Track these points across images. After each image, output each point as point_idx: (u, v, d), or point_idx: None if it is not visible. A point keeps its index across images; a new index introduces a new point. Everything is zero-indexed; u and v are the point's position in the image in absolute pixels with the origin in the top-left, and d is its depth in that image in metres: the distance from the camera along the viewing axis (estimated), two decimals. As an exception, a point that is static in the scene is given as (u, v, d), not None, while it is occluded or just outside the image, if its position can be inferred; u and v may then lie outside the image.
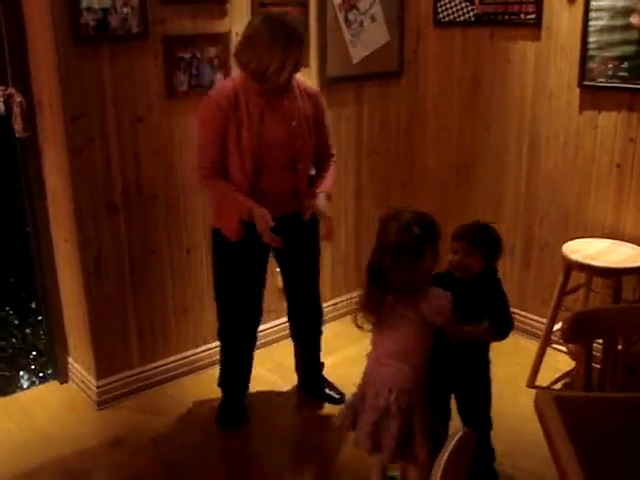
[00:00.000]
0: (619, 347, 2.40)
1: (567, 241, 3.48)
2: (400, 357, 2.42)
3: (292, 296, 3.35)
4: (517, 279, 4.07)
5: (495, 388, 3.48)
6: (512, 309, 3.98)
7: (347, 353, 3.86)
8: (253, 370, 3.38)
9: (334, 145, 3.21)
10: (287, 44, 2.70)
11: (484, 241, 2.61)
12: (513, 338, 3.94)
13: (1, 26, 3.13)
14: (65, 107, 3.02)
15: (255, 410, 3.39)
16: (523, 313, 4.05)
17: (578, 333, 2.23)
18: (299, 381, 3.57)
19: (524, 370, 3.58)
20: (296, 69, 2.80)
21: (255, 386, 3.46)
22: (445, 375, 2.71)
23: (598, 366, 2.39)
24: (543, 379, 3.53)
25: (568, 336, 2.24)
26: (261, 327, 3.39)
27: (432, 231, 2.38)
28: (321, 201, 2.99)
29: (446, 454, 1.58)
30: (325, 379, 3.51)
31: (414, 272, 2.31)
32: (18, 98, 3.17)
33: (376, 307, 2.38)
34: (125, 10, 3.07)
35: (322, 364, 3.54)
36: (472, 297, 2.58)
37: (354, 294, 4.26)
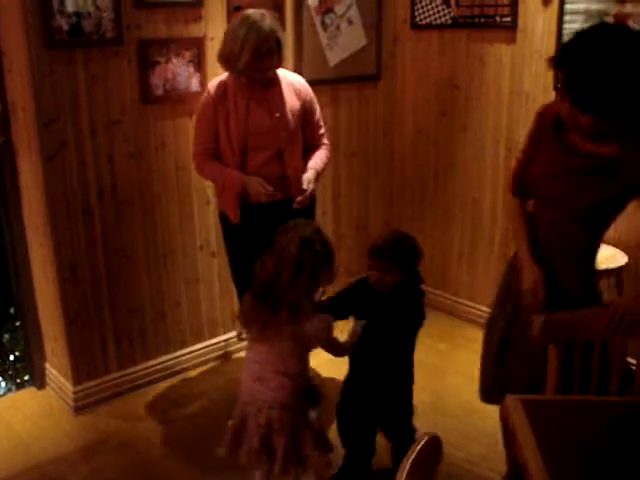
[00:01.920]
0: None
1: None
2: (281, 372, 2.36)
3: None
4: (496, 281, 4.03)
5: (474, 389, 3.50)
6: (489, 310, 4.07)
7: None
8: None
9: (327, 136, 3.29)
10: (246, 32, 2.85)
11: (400, 257, 2.57)
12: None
13: (-26, 30, 3.13)
14: (38, 112, 3.01)
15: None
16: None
17: (547, 335, 2.23)
18: None
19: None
20: (256, 59, 2.88)
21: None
22: (367, 400, 2.75)
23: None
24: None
25: (538, 338, 2.25)
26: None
27: (331, 250, 2.36)
28: (308, 174, 3.09)
29: (411, 457, 1.59)
30: None
31: (311, 290, 2.28)
32: (-8, 102, 3.16)
33: (265, 322, 2.30)
34: (99, 14, 3.05)
35: None
36: (392, 307, 2.60)
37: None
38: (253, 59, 2.89)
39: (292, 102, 3.10)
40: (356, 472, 2.85)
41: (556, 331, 2.22)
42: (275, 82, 3.08)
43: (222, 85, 3.05)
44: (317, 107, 3.24)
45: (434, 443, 1.68)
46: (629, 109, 2.06)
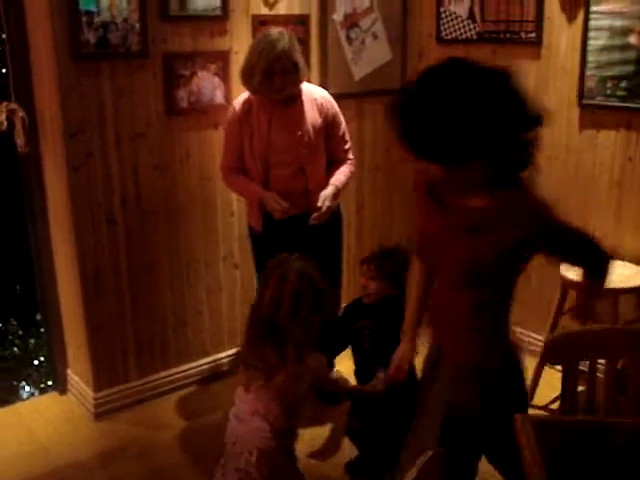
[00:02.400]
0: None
1: (566, 260, 3.47)
2: (260, 415, 2.21)
3: None
4: (517, 296, 4.05)
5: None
6: (513, 326, 4.05)
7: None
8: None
9: (352, 152, 3.31)
10: (259, 52, 2.94)
11: (388, 266, 2.57)
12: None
13: (5, 43, 3.21)
14: (65, 123, 3.08)
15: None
16: (522, 331, 4.03)
17: (558, 356, 2.22)
18: None
19: (523, 389, 3.56)
20: (268, 78, 2.93)
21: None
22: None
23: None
24: (542, 398, 3.51)
25: (550, 358, 2.23)
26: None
27: (325, 286, 2.23)
28: (326, 191, 3.11)
29: (417, 470, 1.59)
30: None
31: (312, 325, 2.16)
32: (20, 113, 3.24)
33: (273, 366, 2.16)
34: (126, 27, 3.12)
35: None
36: (377, 322, 2.58)
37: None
38: (265, 78, 2.95)
39: (314, 118, 3.12)
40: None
41: (567, 350, 2.20)
42: (297, 99, 3.11)
43: (247, 102, 3.12)
44: (341, 121, 3.25)
45: (439, 456, 1.68)
46: (465, 153, 1.88)
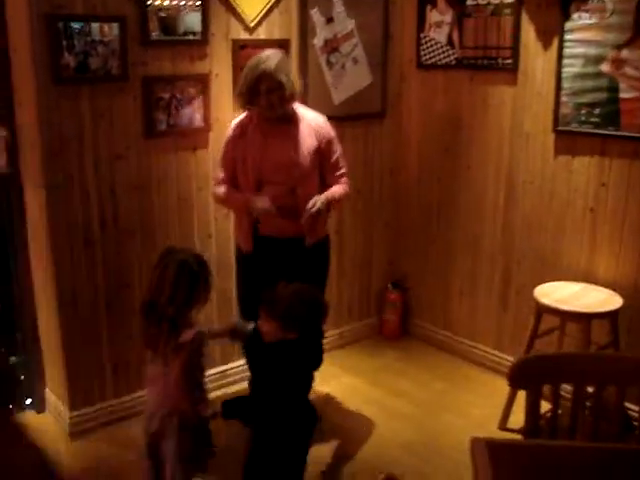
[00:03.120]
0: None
1: (542, 284, 3.51)
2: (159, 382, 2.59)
3: None
4: (495, 320, 4.09)
5: (469, 429, 3.52)
6: (489, 349, 4.08)
7: (344, 381, 4.00)
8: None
9: (347, 174, 3.31)
10: (247, 71, 3.07)
11: (278, 310, 2.52)
12: (491, 379, 4.00)
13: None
14: (44, 144, 3.12)
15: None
16: (500, 354, 4.07)
17: (522, 380, 2.24)
18: None
19: (499, 412, 3.58)
20: (254, 96, 3.04)
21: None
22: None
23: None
24: (516, 421, 3.52)
25: (513, 382, 2.26)
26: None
27: (206, 273, 2.59)
28: (316, 197, 3.11)
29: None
30: None
31: (188, 306, 2.52)
32: (3, 133, 3.28)
33: (154, 339, 2.54)
34: (106, 52, 3.16)
35: None
36: (268, 362, 2.57)
37: (339, 329, 4.33)
38: (251, 96, 3.04)
39: (309, 141, 3.16)
40: None
41: (530, 375, 2.23)
42: (293, 120, 3.17)
43: (244, 121, 3.21)
44: (336, 147, 3.26)
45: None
46: None
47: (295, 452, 2.64)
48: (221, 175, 3.26)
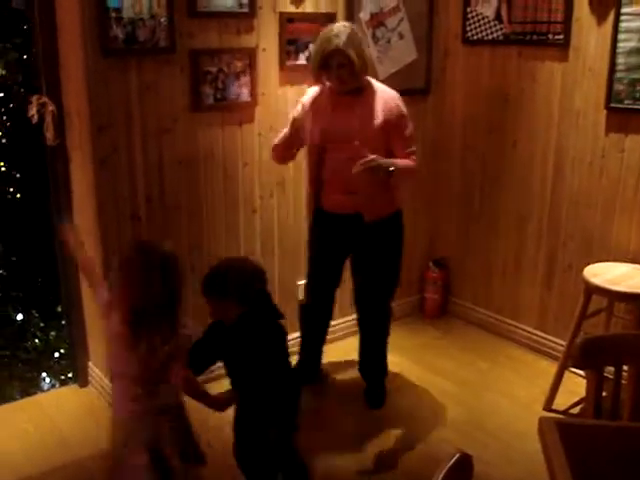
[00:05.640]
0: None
1: (590, 264, 3.45)
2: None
3: (359, 300, 3.54)
4: (539, 300, 4.04)
5: (514, 409, 3.49)
6: (532, 330, 4.04)
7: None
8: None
9: (416, 153, 3.22)
10: (317, 46, 3.11)
11: (224, 289, 2.45)
12: (534, 359, 3.97)
13: (37, 38, 3.23)
14: (92, 117, 3.09)
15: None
16: (544, 335, 4.02)
17: (586, 359, 2.20)
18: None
19: (543, 393, 3.55)
20: (324, 70, 3.08)
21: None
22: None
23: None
24: (561, 402, 3.49)
25: (577, 362, 2.22)
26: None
27: (177, 268, 2.31)
28: (380, 157, 3.03)
29: (441, 475, 1.58)
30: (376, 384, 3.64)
31: (177, 304, 2.26)
32: (50, 107, 3.25)
33: (150, 341, 2.23)
34: (153, 24, 3.13)
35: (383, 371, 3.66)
36: (237, 344, 2.47)
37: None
38: (321, 70, 3.08)
39: (376, 115, 3.13)
40: None
41: (594, 355, 2.19)
42: (364, 93, 3.16)
43: (317, 92, 3.26)
44: (406, 125, 3.19)
45: (465, 461, 1.67)
46: None
47: (282, 424, 2.62)
48: (278, 139, 3.35)
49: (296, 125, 3.26)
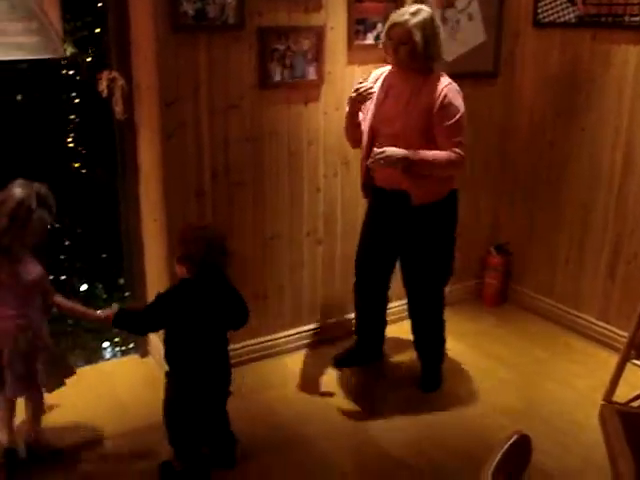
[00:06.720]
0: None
1: (657, 255, 3.36)
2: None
3: (407, 287, 3.50)
4: (602, 290, 3.96)
5: (574, 399, 3.44)
6: (594, 320, 3.96)
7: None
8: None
9: (463, 144, 3.11)
10: (390, 17, 3.13)
11: (182, 251, 2.67)
12: (595, 350, 3.89)
13: (108, 14, 3.30)
14: (161, 92, 3.14)
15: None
16: (606, 326, 3.94)
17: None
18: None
19: (603, 384, 3.48)
20: (388, 46, 3.11)
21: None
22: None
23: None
24: (622, 395, 3.41)
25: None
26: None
27: (46, 203, 2.68)
28: (392, 149, 3.04)
29: (499, 453, 1.57)
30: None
31: (23, 238, 2.65)
32: (120, 82, 3.31)
33: None
34: (223, 1, 3.15)
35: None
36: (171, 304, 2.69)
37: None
38: (387, 40, 3.10)
39: (428, 102, 3.07)
40: None
41: None
42: (421, 80, 3.11)
43: (381, 73, 3.29)
44: (455, 115, 3.08)
45: (524, 442, 1.66)
46: None
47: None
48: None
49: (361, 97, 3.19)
